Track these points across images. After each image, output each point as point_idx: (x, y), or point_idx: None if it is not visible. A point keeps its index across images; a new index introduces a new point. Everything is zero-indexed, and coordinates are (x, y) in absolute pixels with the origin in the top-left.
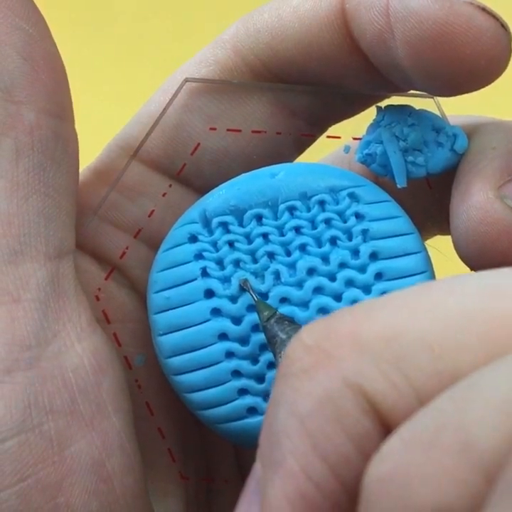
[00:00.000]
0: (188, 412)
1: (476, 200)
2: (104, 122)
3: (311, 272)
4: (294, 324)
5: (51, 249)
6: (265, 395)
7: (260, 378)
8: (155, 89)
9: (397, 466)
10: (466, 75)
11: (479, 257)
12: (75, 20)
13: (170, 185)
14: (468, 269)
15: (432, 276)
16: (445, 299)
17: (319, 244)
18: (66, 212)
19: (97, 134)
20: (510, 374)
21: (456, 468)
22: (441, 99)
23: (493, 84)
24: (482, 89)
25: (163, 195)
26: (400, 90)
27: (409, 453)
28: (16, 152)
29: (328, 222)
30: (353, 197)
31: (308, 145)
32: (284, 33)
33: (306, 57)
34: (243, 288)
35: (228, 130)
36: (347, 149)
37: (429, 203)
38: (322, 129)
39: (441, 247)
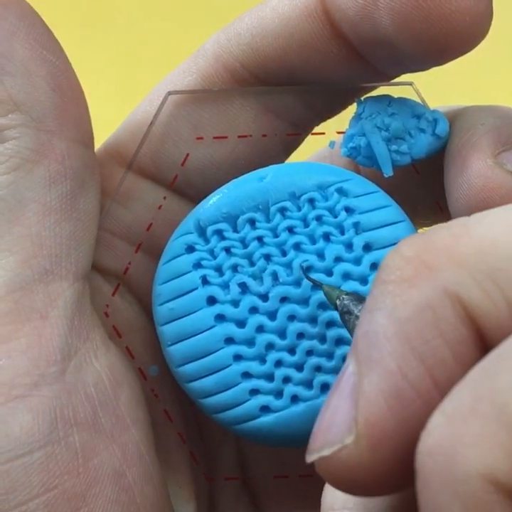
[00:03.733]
0: (205, 415)
1: (475, 169)
2: (104, 122)
3: (308, 269)
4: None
5: (79, 269)
6: (276, 393)
7: (269, 377)
8: None
9: (442, 439)
10: (453, 33)
11: None
12: (75, 20)
13: (164, 198)
14: None
15: None
16: None
17: (313, 242)
18: (92, 235)
19: (97, 134)
20: None
21: (494, 434)
22: (420, 88)
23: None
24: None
25: (159, 207)
26: (382, 77)
27: (451, 425)
28: (49, 179)
29: (319, 219)
30: (341, 192)
31: (296, 145)
32: (264, 30)
33: (287, 50)
34: (305, 274)
35: (215, 138)
36: (332, 145)
37: (417, 188)
38: (307, 129)
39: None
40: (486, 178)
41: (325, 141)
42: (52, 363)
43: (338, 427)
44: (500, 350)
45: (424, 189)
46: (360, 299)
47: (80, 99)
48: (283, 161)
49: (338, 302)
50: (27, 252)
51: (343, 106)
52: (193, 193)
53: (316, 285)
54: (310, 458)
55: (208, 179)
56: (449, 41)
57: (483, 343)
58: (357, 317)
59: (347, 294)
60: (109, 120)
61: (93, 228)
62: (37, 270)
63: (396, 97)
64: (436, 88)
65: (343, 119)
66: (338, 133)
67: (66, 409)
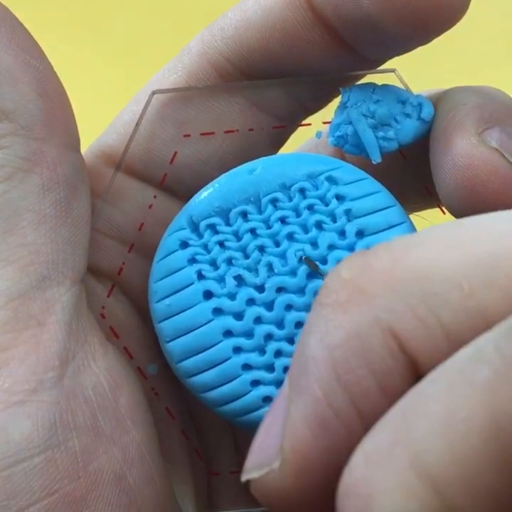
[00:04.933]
0: (207, 409)
1: (460, 147)
2: (103, 122)
3: (308, 259)
4: None
5: (76, 274)
6: (277, 383)
7: (270, 368)
8: None
9: (359, 480)
10: (434, 7)
11: (471, 205)
12: (75, 20)
13: (155, 197)
14: None
15: None
16: (477, 236)
17: (306, 231)
18: (86, 238)
19: (96, 134)
20: (452, 383)
21: (409, 482)
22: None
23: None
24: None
25: (150, 207)
26: (366, 63)
27: (368, 467)
28: (42, 187)
29: (310, 208)
30: (331, 180)
31: (285, 138)
32: (247, 22)
33: (270, 40)
34: (307, 264)
35: (202, 134)
36: (319, 135)
37: (404, 173)
38: (293, 122)
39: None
40: (471, 156)
41: (312, 132)
42: (50, 368)
43: (267, 450)
44: (420, 388)
45: (411, 174)
46: None
47: (65, 103)
48: (273, 154)
49: None
50: (24, 260)
51: (328, 98)
52: (183, 191)
53: (318, 273)
54: (243, 477)
55: (197, 176)
56: (431, 16)
57: (417, 373)
58: None
59: None
60: (109, 120)
61: (87, 231)
62: (34, 277)
63: (380, 84)
64: (418, 75)
65: (329, 109)
66: (325, 123)
67: (65, 413)
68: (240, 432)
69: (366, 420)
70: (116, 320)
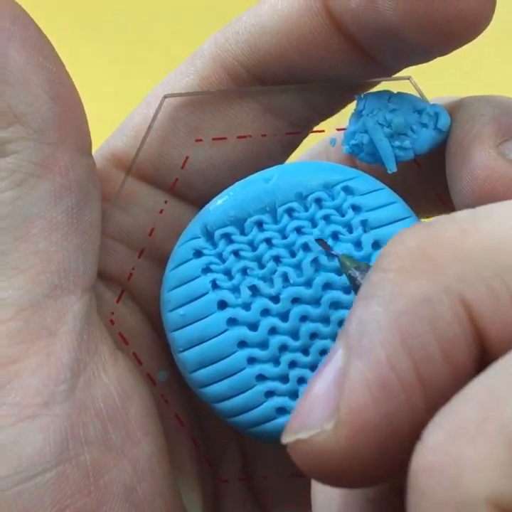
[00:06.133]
0: (215, 417)
1: (478, 160)
2: (103, 122)
3: (318, 269)
4: None
5: (87, 281)
6: (291, 394)
7: (284, 378)
8: None
9: (445, 458)
10: (458, 19)
11: None
12: (74, 20)
13: (165, 202)
14: None
15: None
16: None
17: None
18: (97, 244)
19: (96, 135)
20: None
21: (503, 458)
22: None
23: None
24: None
25: (160, 212)
26: (383, 71)
27: (456, 444)
28: (54, 194)
29: (327, 218)
30: (347, 190)
31: (297, 144)
32: (263, 28)
33: (287, 46)
34: (320, 244)
35: (214, 139)
36: (333, 142)
37: (418, 182)
38: (307, 128)
39: None
40: (490, 168)
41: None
42: (61, 380)
43: (318, 411)
44: (507, 364)
45: (425, 183)
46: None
47: (78, 107)
48: (283, 161)
49: (349, 273)
50: (36, 268)
51: (342, 104)
52: (194, 196)
53: (332, 255)
54: (286, 439)
55: (208, 181)
56: (454, 27)
57: (483, 345)
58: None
59: (358, 266)
60: (109, 120)
61: (98, 238)
62: (46, 286)
63: (395, 92)
64: (431, 82)
65: (343, 116)
66: (338, 130)
67: (76, 427)
68: (248, 439)
69: (426, 387)
70: (126, 326)
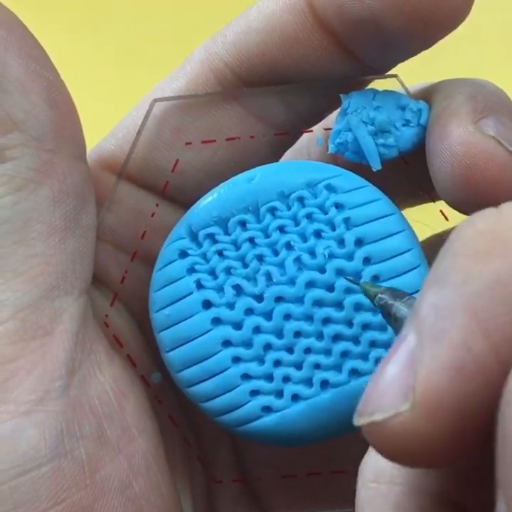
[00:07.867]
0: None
1: (457, 135)
2: (103, 122)
3: (301, 267)
4: (407, 295)
5: (83, 283)
6: (276, 393)
7: (269, 377)
8: None
9: None
10: (439, 6)
11: (468, 193)
12: (74, 20)
13: (157, 205)
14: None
15: (420, 252)
16: None
17: (304, 240)
18: (93, 247)
19: (95, 135)
20: None
21: None
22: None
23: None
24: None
25: (152, 215)
26: (366, 70)
27: None
28: (52, 199)
29: (309, 216)
30: (330, 188)
31: (288, 145)
32: (248, 27)
33: (269, 43)
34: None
35: (203, 142)
36: (320, 142)
37: (405, 179)
38: (294, 127)
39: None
40: (468, 143)
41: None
42: (57, 378)
43: (392, 394)
44: None
45: (412, 180)
46: (396, 294)
47: (74, 114)
48: (274, 162)
49: (377, 300)
50: (34, 271)
51: (329, 108)
52: (184, 199)
53: (354, 283)
54: (360, 421)
55: (199, 184)
56: (433, 12)
57: None
58: (396, 316)
59: (384, 290)
60: (108, 120)
61: (93, 241)
62: (43, 288)
63: (381, 89)
64: (420, 81)
65: (331, 116)
66: (325, 130)
67: (72, 423)
68: (240, 440)
69: (504, 367)
70: (119, 328)
